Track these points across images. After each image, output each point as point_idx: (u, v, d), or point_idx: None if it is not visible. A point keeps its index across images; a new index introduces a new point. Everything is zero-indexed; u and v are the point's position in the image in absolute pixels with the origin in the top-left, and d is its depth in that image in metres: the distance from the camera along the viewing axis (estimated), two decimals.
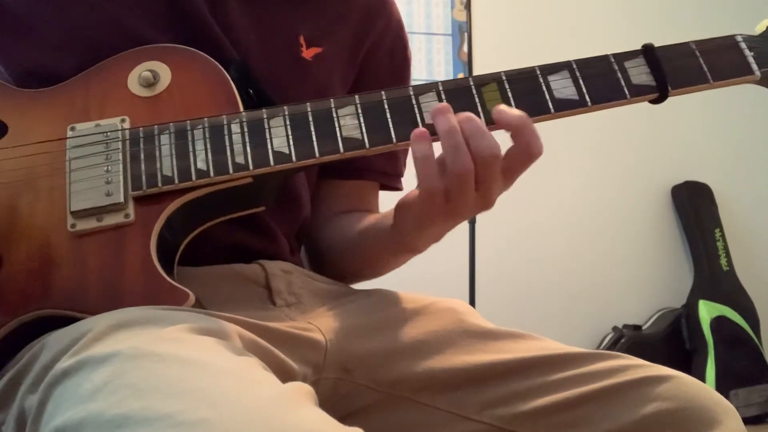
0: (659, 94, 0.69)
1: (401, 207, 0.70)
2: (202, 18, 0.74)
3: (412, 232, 0.71)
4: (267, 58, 0.77)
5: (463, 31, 2.73)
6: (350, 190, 0.89)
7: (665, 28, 2.76)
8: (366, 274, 0.86)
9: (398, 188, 0.93)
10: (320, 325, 0.69)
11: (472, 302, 2.60)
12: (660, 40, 0.72)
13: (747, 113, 2.83)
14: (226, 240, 0.74)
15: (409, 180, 0.93)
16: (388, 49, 0.89)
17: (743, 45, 0.71)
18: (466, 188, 0.63)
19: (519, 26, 2.77)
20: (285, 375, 0.58)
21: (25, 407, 0.51)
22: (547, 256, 2.68)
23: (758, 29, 0.73)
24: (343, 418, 0.45)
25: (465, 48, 2.73)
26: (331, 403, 0.66)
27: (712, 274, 2.75)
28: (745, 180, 2.91)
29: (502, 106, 0.65)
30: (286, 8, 0.81)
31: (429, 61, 2.70)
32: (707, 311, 2.66)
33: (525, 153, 0.64)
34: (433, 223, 0.68)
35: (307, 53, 0.81)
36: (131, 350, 0.46)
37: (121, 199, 0.62)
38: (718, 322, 2.65)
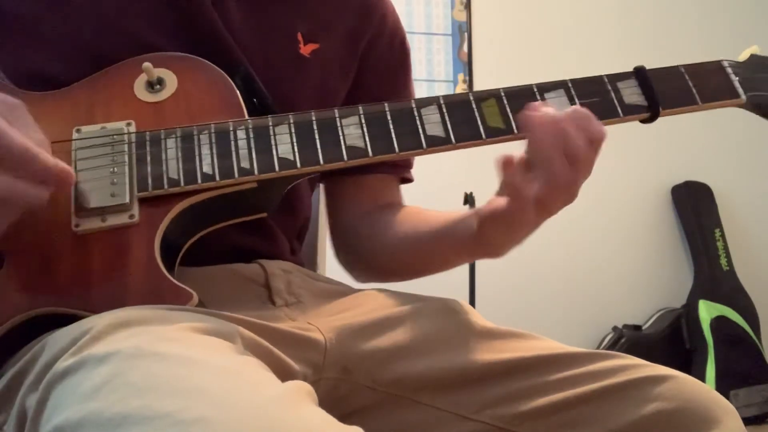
0: (650, 114, 0.71)
1: (490, 219, 0.70)
2: (209, 21, 0.74)
3: (501, 240, 0.72)
4: (266, 56, 0.78)
5: (463, 31, 2.73)
6: (371, 185, 0.90)
7: (661, 33, 2.76)
8: (423, 271, 0.86)
9: (409, 179, 0.93)
10: (320, 324, 0.69)
11: (472, 302, 2.60)
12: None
13: (747, 114, 2.83)
14: (226, 241, 0.74)
15: (418, 171, 0.94)
16: (387, 42, 0.90)
17: (729, 70, 0.74)
18: (557, 193, 0.65)
19: (519, 26, 2.77)
20: (285, 375, 0.58)
21: (25, 406, 0.51)
22: (547, 256, 2.68)
23: (741, 57, 0.76)
24: (343, 418, 0.45)
25: (465, 48, 2.73)
26: (331, 403, 0.66)
27: (712, 274, 2.75)
28: (745, 180, 2.91)
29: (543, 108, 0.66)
30: (284, 6, 0.81)
31: (429, 61, 2.70)
32: (707, 311, 2.66)
33: (589, 143, 0.65)
34: (524, 227, 0.69)
35: (305, 50, 0.81)
36: (132, 349, 0.46)
37: (126, 200, 0.62)
38: (718, 322, 2.65)
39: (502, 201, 0.67)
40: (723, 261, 2.77)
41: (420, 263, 0.85)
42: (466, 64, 2.72)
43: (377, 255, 0.86)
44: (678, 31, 2.81)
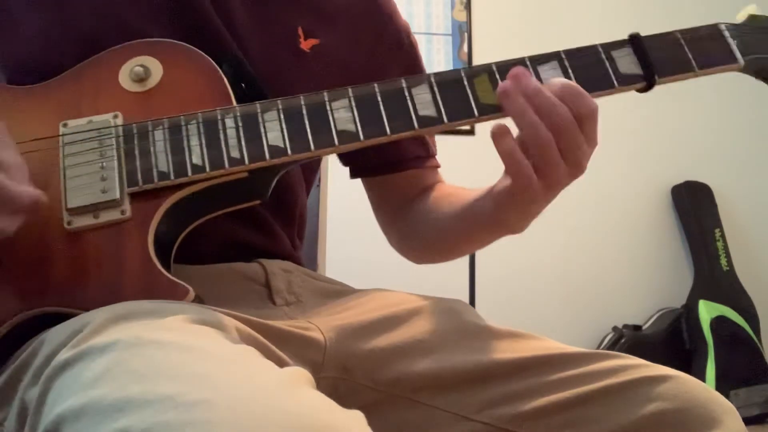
0: (646, 83, 0.70)
1: (499, 196, 0.70)
2: (202, 10, 0.74)
3: (515, 217, 0.71)
4: (266, 50, 0.78)
5: (463, 31, 2.73)
6: (405, 178, 0.91)
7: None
8: (462, 251, 0.89)
9: (436, 167, 0.94)
10: (320, 324, 0.69)
11: (472, 302, 2.60)
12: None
13: (747, 113, 2.84)
14: (226, 237, 0.74)
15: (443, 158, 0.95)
16: (393, 38, 0.89)
17: (726, 33, 0.72)
18: (553, 160, 0.64)
19: (519, 26, 2.77)
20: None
21: (26, 401, 0.51)
22: (547, 256, 2.68)
23: (739, 18, 0.74)
24: None
25: (465, 48, 2.73)
26: None
27: (712, 274, 2.75)
28: (745, 180, 2.91)
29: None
30: (285, 0, 0.81)
31: (429, 61, 2.70)
32: (707, 311, 2.66)
33: (583, 114, 0.65)
34: (533, 202, 0.68)
35: (305, 45, 0.81)
36: (131, 339, 0.46)
37: (117, 196, 0.62)
38: (718, 322, 2.65)
39: (507, 181, 0.67)
40: (723, 261, 2.77)
41: (455, 244, 0.87)
42: (466, 64, 2.72)
43: (422, 239, 0.89)
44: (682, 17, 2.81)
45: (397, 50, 0.89)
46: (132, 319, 0.50)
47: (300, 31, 0.81)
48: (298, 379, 0.45)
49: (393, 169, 0.90)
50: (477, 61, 2.72)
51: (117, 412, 0.40)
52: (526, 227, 0.74)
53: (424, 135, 0.91)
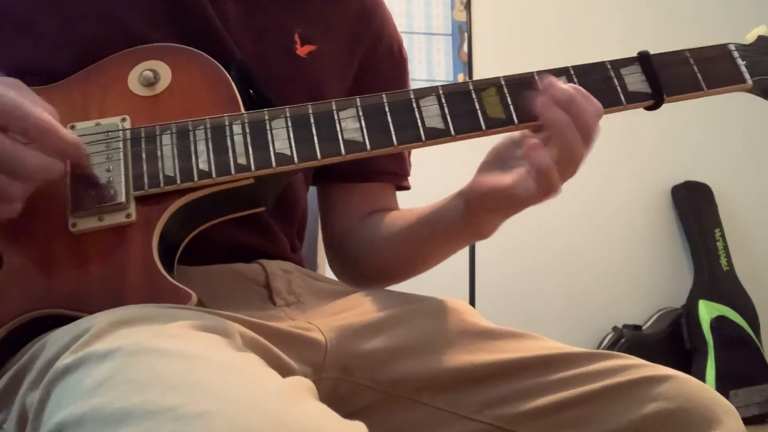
0: (654, 102, 0.70)
1: (481, 199, 0.70)
2: (204, 15, 0.74)
3: (493, 220, 0.72)
4: (262, 54, 0.78)
5: (463, 31, 2.73)
6: (368, 192, 0.89)
7: (663, 30, 2.76)
8: (414, 269, 0.86)
9: (406, 187, 0.93)
10: (320, 324, 0.69)
11: (472, 302, 2.60)
12: (657, 41, 0.72)
13: (747, 113, 2.83)
14: (226, 239, 0.74)
15: (415, 179, 0.94)
16: (386, 49, 0.90)
17: (736, 54, 0.72)
18: (571, 170, 0.66)
19: (519, 26, 2.77)
20: (285, 373, 0.58)
21: (26, 405, 0.51)
22: (547, 256, 2.68)
23: (748, 38, 0.75)
24: (344, 418, 0.45)
25: (465, 48, 2.73)
26: (331, 402, 0.65)
27: (712, 274, 2.74)
28: (745, 180, 2.91)
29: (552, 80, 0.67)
30: (282, 6, 0.81)
31: (429, 61, 2.70)
32: (707, 311, 2.66)
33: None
34: (526, 205, 0.69)
35: (302, 50, 0.81)
36: (132, 346, 0.46)
37: (123, 199, 0.62)
38: (718, 322, 2.65)
39: (506, 180, 0.66)
40: (723, 261, 2.76)
41: (411, 257, 0.84)
42: (466, 64, 2.72)
43: (371, 257, 0.86)
44: (682, 18, 2.81)
45: (388, 60, 0.90)
46: (134, 325, 0.50)
47: (297, 37, 0.81)
48: (299, 389, 0.45)
49: (364, 179, 0.88)
50: (477, 61, 2.72)
51: (117, 422, 0.40)
52: (494, 232, 0.74)
53: (407, 151, 0.90)
